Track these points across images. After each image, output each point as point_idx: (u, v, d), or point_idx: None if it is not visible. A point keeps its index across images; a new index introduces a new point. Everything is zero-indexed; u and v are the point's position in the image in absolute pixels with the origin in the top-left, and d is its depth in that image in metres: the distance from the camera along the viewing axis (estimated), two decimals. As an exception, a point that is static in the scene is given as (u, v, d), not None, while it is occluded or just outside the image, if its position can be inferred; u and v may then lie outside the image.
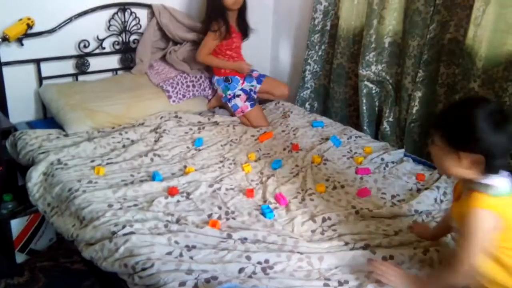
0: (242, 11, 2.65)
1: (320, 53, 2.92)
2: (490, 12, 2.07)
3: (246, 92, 2.68)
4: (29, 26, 2.34)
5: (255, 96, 2.75)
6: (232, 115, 2.68)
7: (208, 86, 2.79)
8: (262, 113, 2.69)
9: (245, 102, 2.64)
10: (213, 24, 2.54)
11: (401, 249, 1.56)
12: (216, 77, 2.71)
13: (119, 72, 2.80)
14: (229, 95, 2.66)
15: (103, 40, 2.65)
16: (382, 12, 2.50)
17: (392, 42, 2.54)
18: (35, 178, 1.94)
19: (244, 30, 2.71)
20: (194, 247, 1.52)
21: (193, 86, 2.72)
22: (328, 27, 2.87)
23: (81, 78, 2.65)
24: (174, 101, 2.60)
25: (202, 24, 2.66)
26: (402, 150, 2.32)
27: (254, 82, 2.76)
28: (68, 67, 2.61)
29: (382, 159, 2.21)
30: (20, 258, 2.21)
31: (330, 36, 2.88)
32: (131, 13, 2.71)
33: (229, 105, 2.67)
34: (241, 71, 2.66)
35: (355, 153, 2.30)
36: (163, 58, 2.83)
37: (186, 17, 2.82)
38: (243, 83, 2.70)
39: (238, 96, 2.65)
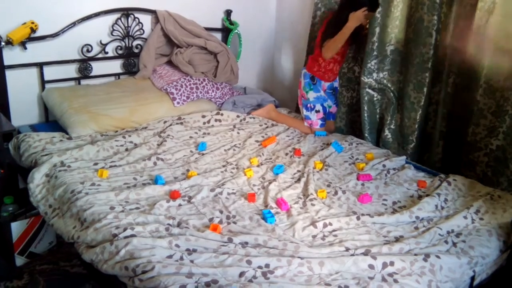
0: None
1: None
2: (493, 22, 2.09)
3: (324, 111, 2.68)
4: (33, 30, 2.36)
5: (325, 117, 2.73)
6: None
7: (211, 88, 2.80)
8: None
9: (318, 119, 2.66)
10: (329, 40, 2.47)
11: (402, 255, 1.55)
12: (304, 70, 2.70)
13: (122, 77, 2.81)
14: (309, 105, 2.66)
15: (106, 44, 2.67)
16: (385, 20, 2.51)
17: (394, 49, 2.56)
18: (37, 179, 1.94)
19: (354, 34, 2.51)
20: (195, 250, 1.52)
21: (197, 88, 2.73)
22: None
23: (83, 82, 2.67)
24: (178, 103, 2.61)
25: (324, 32, 2.56)
26: (404, 157, 2.33)
27: (331, 104, 2.73)
28: (71, 71, 2.63)
29: (384, 166, 2.22)
30: (19, 261, 2.21)
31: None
32: (135, 18, 2.73)
33: (304, 111, 2.68)
34: (358, 21, 2.41)
35: (357, 159, 2.31)
36: (166, 62, 2.85)
37: (191, 23, 2.84)
38: (324, 89, 2.67)
39: (317, 111, 2.65)
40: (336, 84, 2.73)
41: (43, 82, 2.53)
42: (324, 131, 2.66)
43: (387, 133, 2.61)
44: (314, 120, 2.65)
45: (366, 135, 2.69)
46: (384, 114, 2.66)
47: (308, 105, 2.66)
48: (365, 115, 2.68)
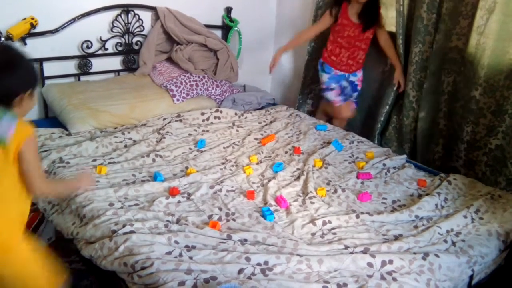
0: (368, 5, 2.52)
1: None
2: (494, 21, 2.09)
3: (340, 86, 2.70)
4: (33, 26, 2.36)
5: (348, 93, 2.74)
6: None
7: (211, 86, 2.80)
8: (349, 107, 2.73)
9: (336, 96, 2.70)
10: (331, 6, 2.63)
11: (401, 254, 1.55)
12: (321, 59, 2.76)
13: (121, 74, 2.80)
14: (323, 86, 2.72)
15: (106, 41, 2.66)
16: (399, 21, 2.49)
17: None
18: (36, 175, 1.93)
19: (366, 22, 2.55)
20: (194, 247, 1.52)
21: (196, 85, 2.73)
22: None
23: (83, 78, 2.66)
24: (178, 99, 2.61)
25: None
26: (404, 156, 2.32)
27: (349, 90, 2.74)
28: (71, 67, 2.62)
29: (384, 165, 2.21)
30: (18, 257, 2.20)
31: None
32: (135, 15, 2.73)
33: (327, 96, 2.75)
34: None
35: (357, 158, 2.30)
36: (166, 59, 2.84)
37: (191, 20, 2.83)
38: (336, 72, 2.68)
39: (332, 89, 2.70)
40: (354, 78, 2.70)
41: (42, 78, 2.52)
42: (325, 125, 2.65)
43: (391, 131, 2.61)
44: (335, 99, 2.70)
45: (376, 135, 2.69)
46: (391, 113, 2.65)
47: (323, 86, 2.73)
48: (382, 117, 2.68)
